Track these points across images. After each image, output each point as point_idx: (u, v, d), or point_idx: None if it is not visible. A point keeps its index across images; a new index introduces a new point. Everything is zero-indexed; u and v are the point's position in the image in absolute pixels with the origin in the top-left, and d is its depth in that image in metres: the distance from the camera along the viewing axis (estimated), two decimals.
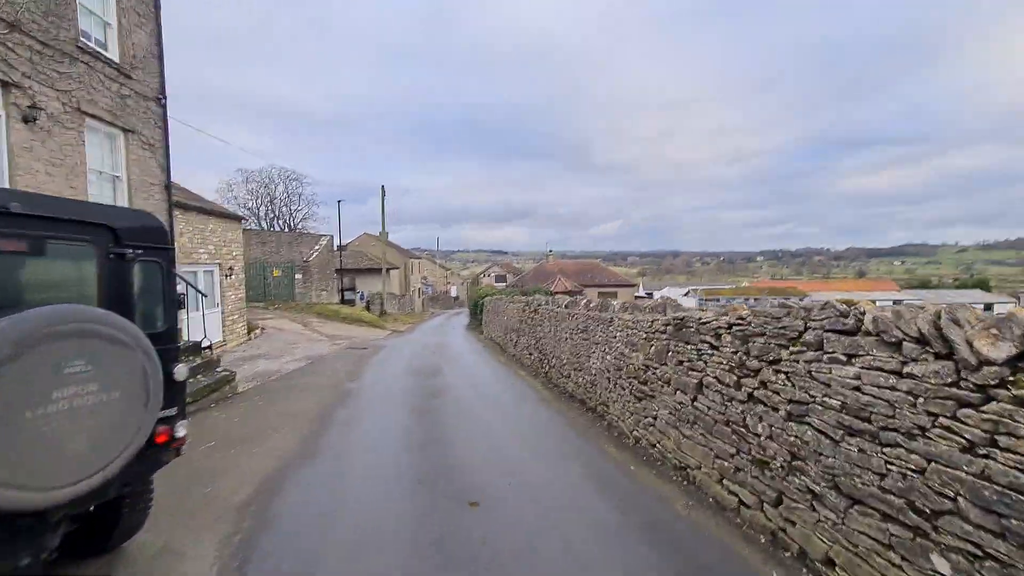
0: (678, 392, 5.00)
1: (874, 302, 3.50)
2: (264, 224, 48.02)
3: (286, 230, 36.41)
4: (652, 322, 5.68)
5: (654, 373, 5.54)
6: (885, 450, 2.86)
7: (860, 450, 3.01)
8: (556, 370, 9.70)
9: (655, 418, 5.47)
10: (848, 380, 3.10)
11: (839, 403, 3.16)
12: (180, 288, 11.49)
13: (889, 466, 2.84)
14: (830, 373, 3.24)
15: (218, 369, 8.39)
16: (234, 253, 15.68)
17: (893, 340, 2.86)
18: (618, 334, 6.73)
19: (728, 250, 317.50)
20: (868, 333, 3.04)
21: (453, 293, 75.94)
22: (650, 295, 54.32)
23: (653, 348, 5.59)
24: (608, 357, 7.06)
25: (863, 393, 3.01)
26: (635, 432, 5.95)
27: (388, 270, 36.70)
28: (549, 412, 7.61)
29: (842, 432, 3.14)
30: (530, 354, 12.16)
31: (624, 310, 6.95)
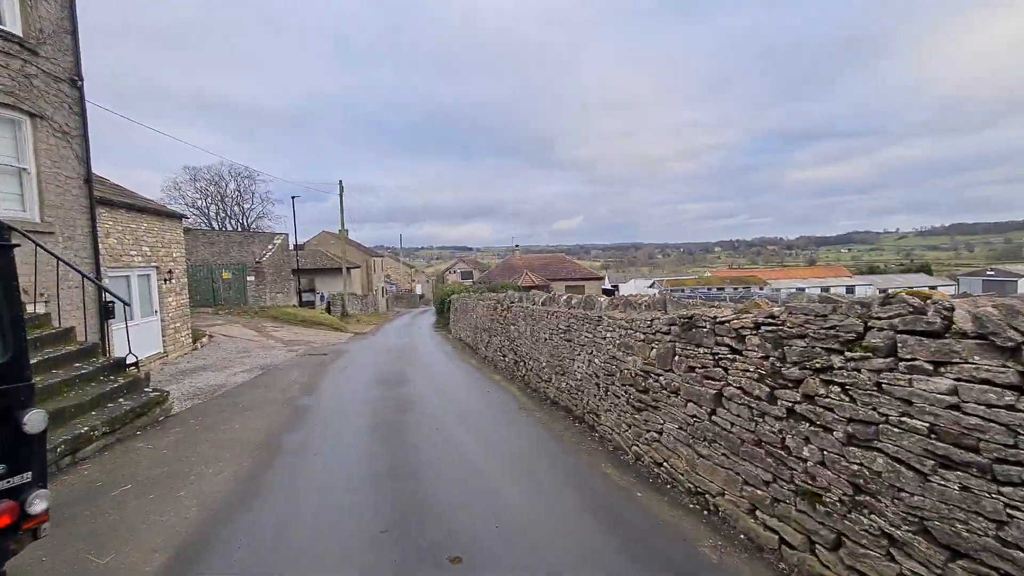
0: (690, 404, 4.27)
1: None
2: (216, 224, 45.28)
3: (239, 229, 34.24)
4: (651, 321, 4.94)
5: (657, 380, 4.80)
6: (1004, 490, 2.17)
7: (963, 487, 2.32)
8: (534, 374, 8.90)
9: (660, 432, 4.73)
10: (939, 396, 2.40)
11: (926, 425, 2.46)
12: (117, 294, 10.01)
13: (1012, 512, 2.15)
14: (910, 386, 2.53)
15: (147, 389, 7.17)
16: (174, 255, 14.16)
17: (1009, 344, 2.17)
18: (608, 335, 5.97)
19: (687, 241, 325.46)
20: (964, 335, 2.34)
21: (418, 291, 74.31)
22: (615, 287, 54.40)
23: (654, 351, 4.85)
24: (596, 360, 6.31)
25: (964, 413, 2.31)
26: (635, 447, 5.21)
27: (349, 269, 35.15)
28: (532, 424, 6.80)
29: (933, 463, 2.44)
30: (504, 356, 11.33)
31: (614, 307, 6.20)
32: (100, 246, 10.56)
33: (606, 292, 49.05)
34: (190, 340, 14.90)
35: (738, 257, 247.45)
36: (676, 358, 4.47)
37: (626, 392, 5.41)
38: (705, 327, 4.10)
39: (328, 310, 29.37)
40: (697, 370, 4.17)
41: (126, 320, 8.99)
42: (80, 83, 9.97)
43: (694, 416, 4.21)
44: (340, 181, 30.94)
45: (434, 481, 4.74)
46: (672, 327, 4.55)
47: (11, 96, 8.30)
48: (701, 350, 4.14)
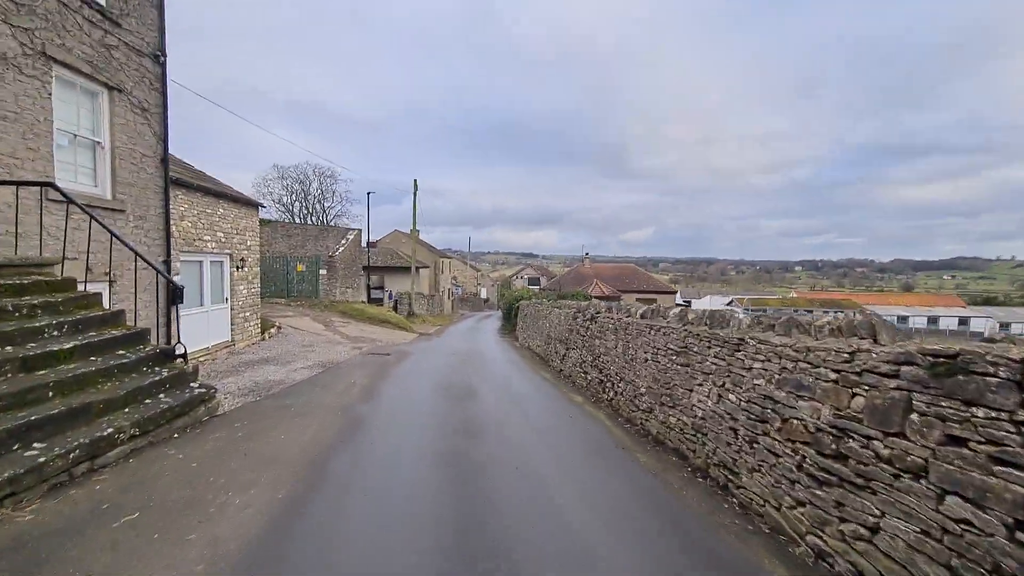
0: (951, 498, 2.60)
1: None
2: (299, 220, 47.15)
3: (317, 225, 35.05)
4: (852, 355, 3.29)
5: (867, 446, 3.15)
6: None
7: None
8: (627, 400, 7.35)
9: (874, 530, 3.07)
10: None
11: None
12: (178, 279, 9.60)
13: None
14: None
15: (192, 384, 6.36)
16: (248, 243, 13.90)
17: None
18: (756, 365, 4.35)
19: (764, 259, 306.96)
20: None
21: (483, 295, 74.09)
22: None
23: (860, 400, 3.20)
24: (732, 397, 4.69)
25: None
26: (815, 538, 3.53)
27: (418, 269, 34.94)
28: (638, 471, 5.25)
29: None
30: (585, 373, 9.82)
31: (765, 328, 4.57)
32: (173, 228, 10.21)
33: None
34: (259, 330, 14.59)
35: (821, 279, 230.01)
36: (915, 417, 2.81)
37: (796, 452, 3.76)
38: (988, 374, 2.44)
39: (395, 308, 29.12)
40: (973, 445, 2.50)
41: (176, 307, 8.33)
42: (163, 59, 9.63)
43: (965, 525, 2.53)
44: (415, 180, 30.78)
45: (519, 546, 3.36)
46: (906, 367, 2.89)
47: (90, 65, 7.93)
48: (979, 412, 2.47)
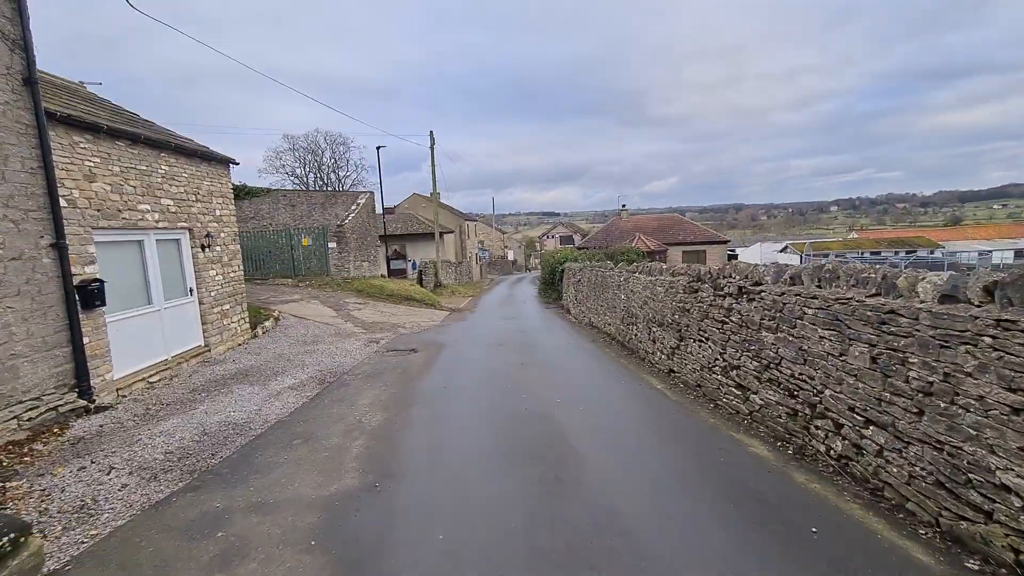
0: None
1: None
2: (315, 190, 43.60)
3: (321, 189, 31.29)
4: None
5: None
6: None
7: None
8: (877, 454, 3.50)
9: None
10: None
11: None
12: (93, 270, 6.04)
13: None
14: None
15: None
16: (218, 213, 10.27)
17: None
18: None
19: (796, 201, 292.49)
20: None
21: (510, 257, 70.25)
22: (733, 254, 46.12)
23: None
24: None
25: None
26: None
27: (442, 234, 31.17)
28: None
29: None
30: (743, 390, 5.89)
31: None
32: (72, 192, 6.59)
33: (730, 258, 41.29)
34: (246, 326, 11.15)
35: (860, 217, 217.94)
36: None
37: None
38: None
39: (420, 280, 25.57)
40: None
41: (96, 312, 4.69)
42: None
43: None
44: (431, 132, 26.55)
45: None
46: None
47: None
48: None
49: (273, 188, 21.73)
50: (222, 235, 10.37)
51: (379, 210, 25.31)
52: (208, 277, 9.77)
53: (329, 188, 44.40)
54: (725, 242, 38.09)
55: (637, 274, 9.66)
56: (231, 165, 11.01)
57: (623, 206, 42.61)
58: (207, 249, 9.79)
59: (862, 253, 42.95)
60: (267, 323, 12.20)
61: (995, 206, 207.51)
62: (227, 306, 10.39)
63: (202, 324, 9.56)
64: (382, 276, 21.77)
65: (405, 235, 32.08)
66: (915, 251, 42.34)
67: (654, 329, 8.50)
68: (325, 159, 45.45)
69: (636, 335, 9.62)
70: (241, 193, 21.85)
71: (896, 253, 42.22)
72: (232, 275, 10.71)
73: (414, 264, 30.03)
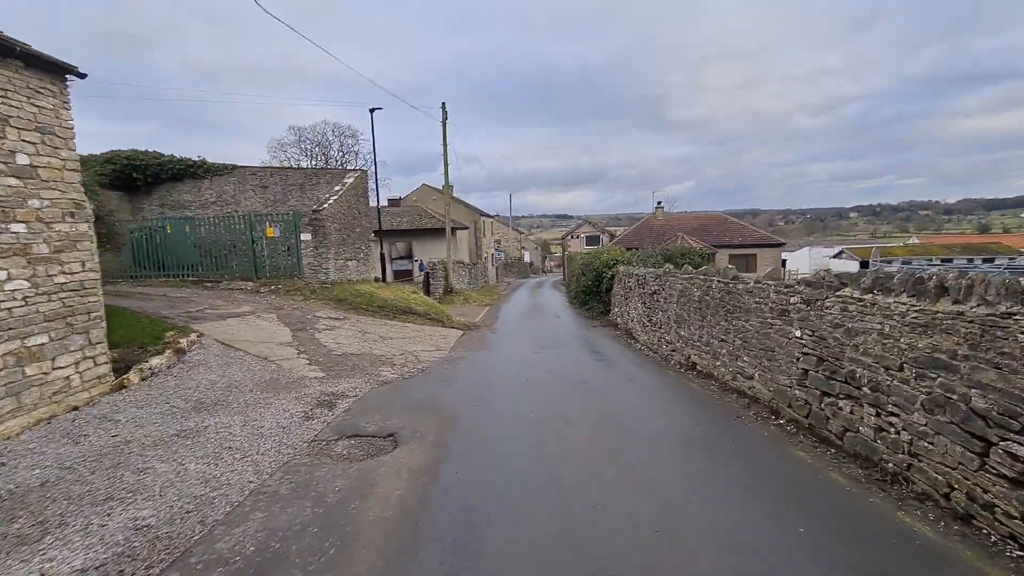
0: None
1: None
2: None
3: (303, 168, 26.23)
4: None
5: None
6: None
7: None
8: None
9: None
10: None
11: None
12: None
13: None
14: None
15: None
16: (22, 161, 5.23)
17: None
18: None
19: (814, 207, 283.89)
20: None
21: (527, 259, 65.12)
22: (783, 260, 40.36)
23: None
24: None
25: None
26: None
27: (454, 231, 26.10)
28: None
29: None
30: None
31: None
32: None
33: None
34: (103, 370, 6.05)
35: (881, 223, 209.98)
36: None
37: None
38: None
39: (426, 284, 20.44)
40: None
41: None
42: None
43: None
44: (443, 104, 21.42)
45: None
46: None
47: None
48: None
49: (239, 165, 16.72)
50: (31, 204, 5.30)
51: (378, 203, 20.25)
52: None
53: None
54: (780, 244, 32.52)
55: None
56: (70, 78, 5.91)
57: (659, 203, 37.22)
58: None
59: (930, 260, 37.06)
60: (157, 359, 7.10)
61: (1023, 214, 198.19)
62: (40, 339, 5.30)
63: None
64: (376, 280, 16.64)
65: (412, 231, 27.01)
66: (993, 258, 36.37)
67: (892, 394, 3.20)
68: (333, 152, 40.87)
69: (821, 404, 4.33)
70: (199, 170, 16.90)
71: (971, 261, 36.30)
72: (63, 280, 5.63)
73: (421, 264, 24.97)
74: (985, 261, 36.30)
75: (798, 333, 5.38)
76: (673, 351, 8.98)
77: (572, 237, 44.66)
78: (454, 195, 36.99)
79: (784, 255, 45.56)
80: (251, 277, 14.09)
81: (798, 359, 5.38)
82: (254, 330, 9.62)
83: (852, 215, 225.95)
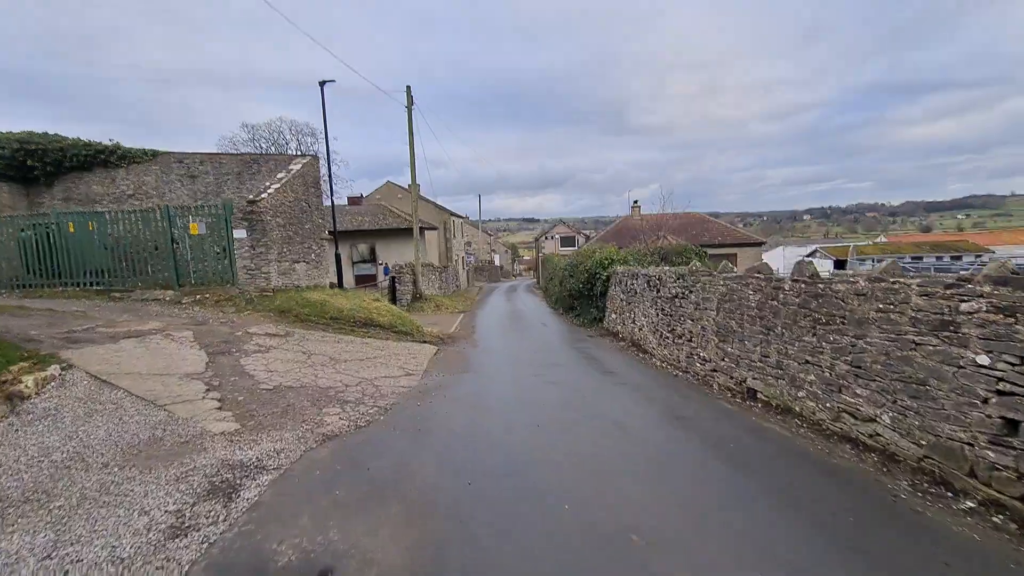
0: None
1: None
2: None
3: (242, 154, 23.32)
4: None
5: None
6: None
7: None
8: None
9: None
10: None
11: None
12: None
13: None
14: None
15: None
16: None
17: None
18: None
19: (770, 210, 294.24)
20: None
21: (497, 262, 62.99)
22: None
23: None
24: None
25: None
26: None
27: (423, 230, 23.66)
28: None
29: None
30: None
31: None
32: None
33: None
34: None
35: (832, 225, 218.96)
36: None
37: None
38: None
39: (392, 290, 17.92)
40: None
41: None
42: None
43: None
44: (408, 87, 18.97)
45: None
46: None
47: None
48: None
49: (162, 151, 13.82)
50: None
51: (331, 190, 17.55)
52: None
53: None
54: (760, 244, 31.59)
55: None
56: None
57: (635, 202, 35.80)
58: None
59: (900, 257, 36.97)
60: None
61: (959, 216, 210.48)
62: None
63: None
64: (331, 285, 14.03)
65: (375, 231, 24.34)
66: (960, 256, 36.61)
67: None
68: (291, 151, 37.72)
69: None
70: (112, 158, 13.91)
71: (940, 259, 36.41)
72: None
73: (386, 268, 22.36)
74: (953, 258, 36.52)
75: (985, 360, 3.36)
76: (714, 371, 6.93)
77: (547, 238, 42.73)
78: (422, 195, 34.49)
79: (763, 254, 44.94)
80: (172, 284, 11.32)
81: (986, 400, 3.36)
82: (153, 356, 7.00)
83: (805, 217, 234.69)
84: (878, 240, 51.25)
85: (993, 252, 37.35)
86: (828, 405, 4.80)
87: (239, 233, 10.86)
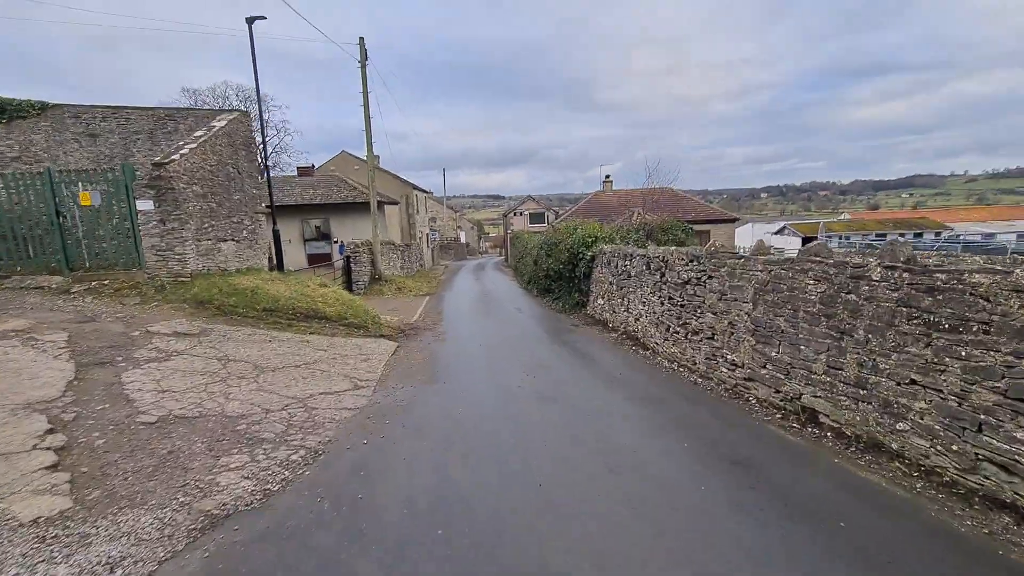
0: None
1: None
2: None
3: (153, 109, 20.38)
4: None
5: None
6: None
7: None
8: None
9: None
10: None
11: None
12: None
13: None
14: None
15: None
16: None
17: None
18: None
19: (729, 187, 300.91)
20: None
21: (463, 239, 60.80)
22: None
23: None
24: None
25: None
26: None
27: (382, 204, 21.45)
28: None
29: None
30: None
31: None
32: None
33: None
34: None
35: (787, 203, 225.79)
36: None
37: None
38: None
39: (347, 271, 15.81)
40: None
41: None
42: None
43: None
44: (361, 39, 16.48)
45: None
46: None
47: None
48: None
49: (52, 103, 11.13)
50: None
51: (265, 157, 15.02)
52: None
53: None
54: (734, 220, 30.78)
55: None
56: None
57: (607, 177, 34.26)
58: None
59: (864, 235, 37.23)
60: None
61: (903, 195, 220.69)
62: None
63: None
64: (265, 269, 11.82)
65: (328, 205, 21.83)
66: (921, 233, 37.16)
67: None
68: None
69: None
70: None
71: (903, 235, 36.83)
72: None
73: (341, 247, 20.07)
74: (916, 235, 37.02)
75: None
76: (749, 380, 5.46)
77: (515, 214, 40.79)
78: (383, 167, 31.80)
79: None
80: (61, 267, 8.97)
81: None
82: None
83: (763, 195, 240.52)
84: (841, 217, 51.95)
85: (952, 229, 38.13)
86: (956, 448, 3.37)
87: (144, 204, 8.58)
